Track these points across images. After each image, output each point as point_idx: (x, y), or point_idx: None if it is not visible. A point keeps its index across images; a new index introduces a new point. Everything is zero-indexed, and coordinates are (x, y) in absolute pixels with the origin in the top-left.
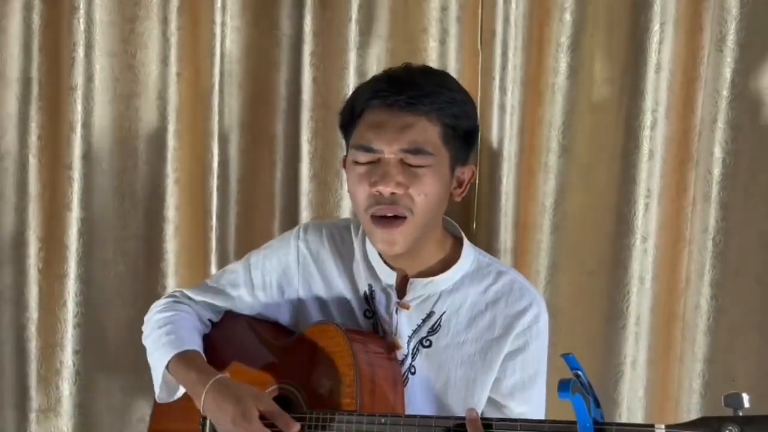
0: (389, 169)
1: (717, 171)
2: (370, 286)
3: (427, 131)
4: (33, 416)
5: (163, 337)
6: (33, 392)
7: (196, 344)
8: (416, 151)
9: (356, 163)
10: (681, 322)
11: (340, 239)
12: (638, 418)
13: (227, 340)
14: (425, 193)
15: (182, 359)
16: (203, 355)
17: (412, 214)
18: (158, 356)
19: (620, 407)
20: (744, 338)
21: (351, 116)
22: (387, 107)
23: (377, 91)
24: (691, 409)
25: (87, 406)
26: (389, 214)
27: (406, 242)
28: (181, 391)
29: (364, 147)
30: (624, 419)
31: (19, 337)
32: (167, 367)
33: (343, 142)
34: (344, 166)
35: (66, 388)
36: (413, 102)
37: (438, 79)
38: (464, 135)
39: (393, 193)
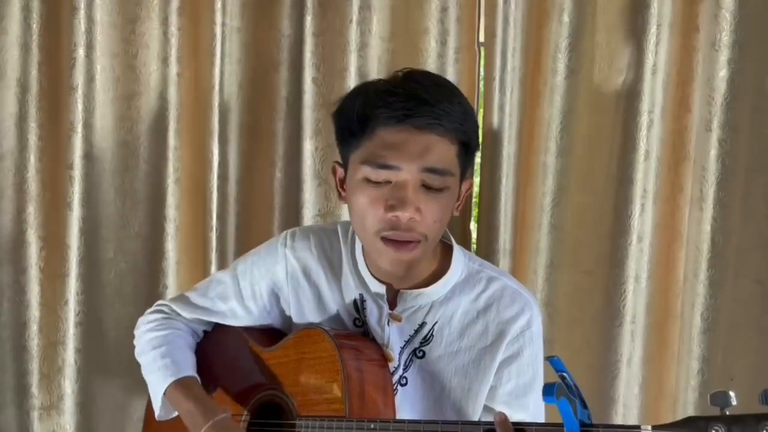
0: (407, 194)
1: (713, 171)
2: (361, 295)
3: (447, 151)
4: (35, 414)
5: (158, 360)
6: (35, 390)
7: (191, 367)
8: (440, 171)
9: (367, 181)
10: (678, 321)
11: (329, 245)
12: (634, 415)
13: (218, 347)
14: (439, 218)
15: (180, 387)
16: (199, 379)
17: (426, 240)
18: (155, 379)
19: (617, 404)
20: (742, 337)
21: (361, 128)
22: (407, 127)
23: (396, 109)
24: (688, 407)
25: (89, 403)
26: (404, 240)
27: (413, 263)
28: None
29: (380, 164)
30: (620, 416)
31: (21, 336)
32: (165, 392)
33: None
34: (334, 173)
35: (68, 386)
36: (436, 122)
37: (450, 92)
38: (473, 150)
39: (411, 219)
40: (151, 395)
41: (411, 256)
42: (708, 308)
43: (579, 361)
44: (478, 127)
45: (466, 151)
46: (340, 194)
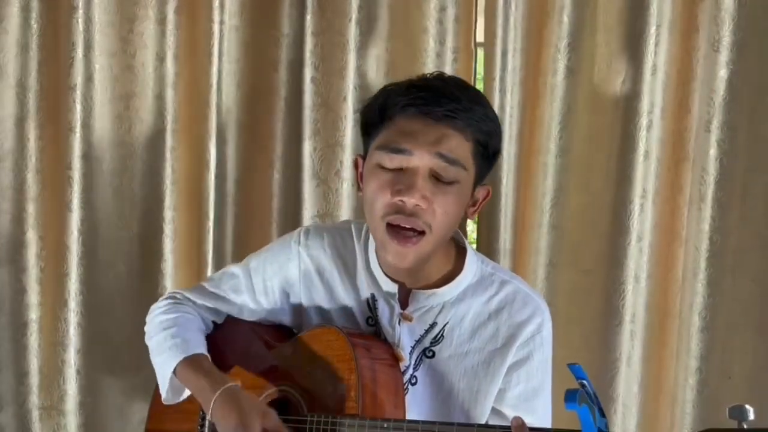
0: (416, 180)
1: (713, 171)
2: (372, 295)
3: (461, 146)
4: (36, 413)
5: (168, 339)
6: (36, 390)
7: (202, 347)
8: (451, 160)
9: (380, 167)
10: (677, 320)
11: (342, 244)
12: (633, 414)
13: (229, 342)
14: (447, 212)
15: (190, 364)
16: (209, 358)
17: (430, 230)
18: (164, 359)
19: (616, 402)
20: (740, 336)
21: (380, 117)
22: (423, 116)
23: (415, 98)
24: (686, 406)
25: (89, 404)
26: (407, 226)
27: (418, 258)
28: (187, 392)
29: (393, 148)
30: (620, 415)
31: (23, 336)
32: (174, 371)
33: (344, 141)
34: (356, 166)
35: (68, 386)
36: (451, 115)
37: (474, 93)
38: (492, 154)
39: (416, 205)
40: (159, 378)
41: (414, 250)
42: (706, 307)
43: (578, 360)
44: (499, 134)
45: (483, 153)
46: (359, 186)
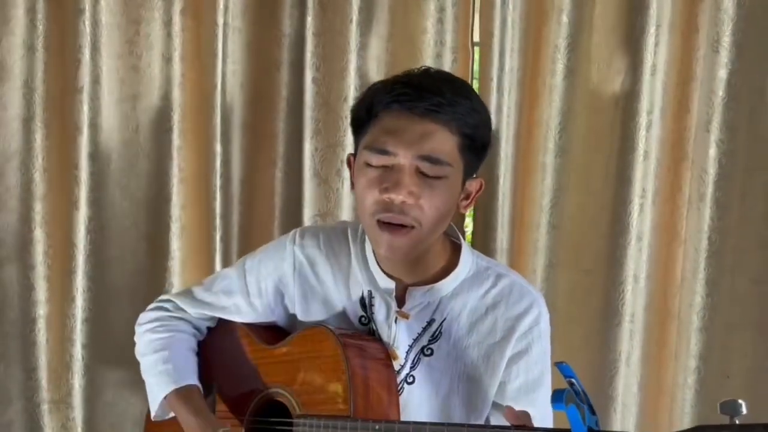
0: (402, 177)
1: (712, 171)
2: (369, 292)
3: (446, 141)
4: (45, 407)
5: (159, 364)
6: (45, 384)
7: (192, 373)
8: (434, 160)
9: (368, 165)
10: (676, 320)
11: (337, 244)
12: (633, 414)
13: (221, 344)
14: (436, 206)
15: (180, 396)
16: (201, 387)
17: (420, 225)
18: (155, 383)
19: (615, 402)
20: (738, 336)
21: (367, 115)
22: (407, 112)
23: (399, 95)
24: (685, 405)
25: (96, 398)
26: (396, 223)
27: (410, 250)
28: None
29: (378, 149)
30: (619, 414)
31: (31, 331)
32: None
33: (345, 141)
34: (348, 165)
35: (76, 380)
36: (435, 110)
37: (459, 87)
38: (480, 147)
39: (403, 202)
40: (148, 395)
41: (405, 242)
42: (705, 307)
43: (578, 359)
44: (487, 125)
45: (471, 146)
46: (352, 184)
